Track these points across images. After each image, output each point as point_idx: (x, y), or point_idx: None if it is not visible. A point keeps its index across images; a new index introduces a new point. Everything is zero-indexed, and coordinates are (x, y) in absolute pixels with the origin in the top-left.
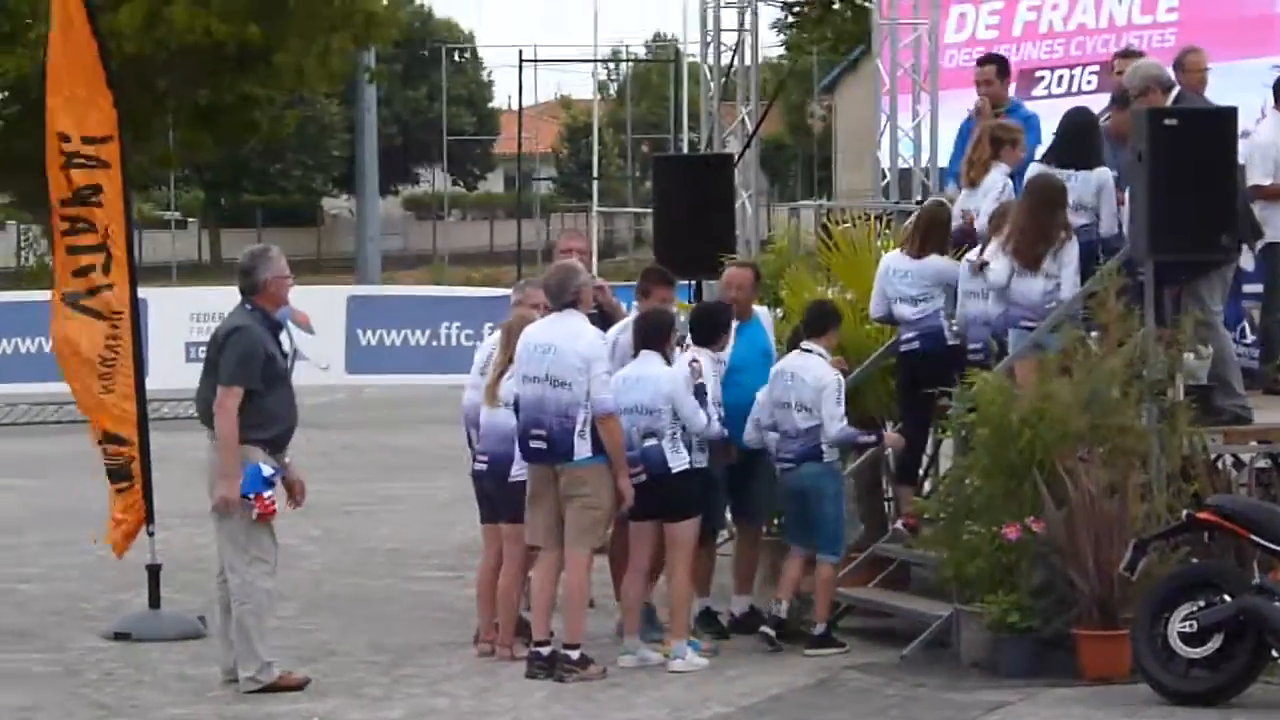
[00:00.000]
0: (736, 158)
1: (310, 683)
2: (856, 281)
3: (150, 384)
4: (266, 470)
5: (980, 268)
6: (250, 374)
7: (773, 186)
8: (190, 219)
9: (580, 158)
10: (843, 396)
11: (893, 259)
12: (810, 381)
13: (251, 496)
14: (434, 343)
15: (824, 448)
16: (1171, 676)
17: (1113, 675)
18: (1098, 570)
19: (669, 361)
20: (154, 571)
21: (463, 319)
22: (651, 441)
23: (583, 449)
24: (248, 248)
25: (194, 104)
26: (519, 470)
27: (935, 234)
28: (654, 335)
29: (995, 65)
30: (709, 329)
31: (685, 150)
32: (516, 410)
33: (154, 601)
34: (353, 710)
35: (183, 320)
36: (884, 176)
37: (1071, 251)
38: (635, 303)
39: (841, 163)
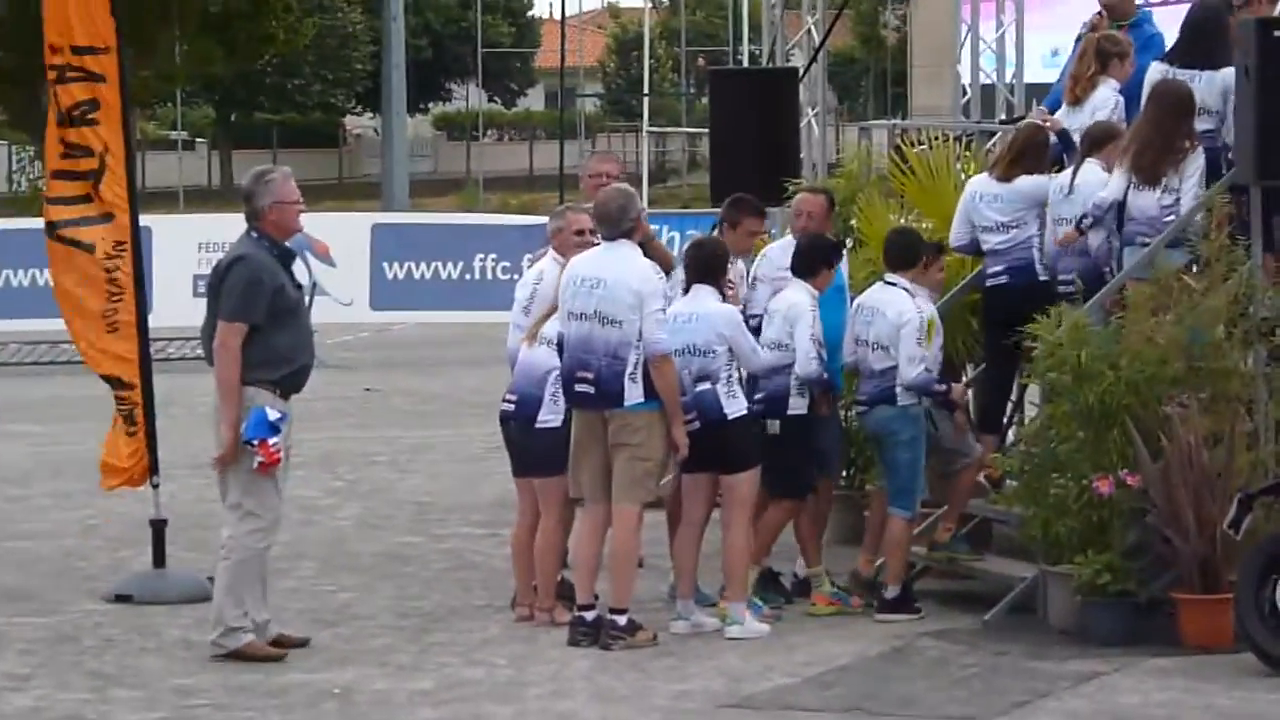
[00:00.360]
0: (802, 72)
1: (285, 657)
2: (934, 209)
3: (154, 322)
4: (272, 414)
5: (1079, 227)
6: (253, 307)
7: (841, 104)
8: (199, 139)
9: (630, 72)
10: (924, 337)
11: (979, 182)
12: (891, 317)
13: (255, 443)
14: (467, 276)
15: (898, 390)
16: (1278, 643)
17: (1215, 644)
18: (1198, 528)
19: (723, 297)
20: (158, 528)
21: (498, 250)
22: (705, 385)
23: (634, 393)
24: (252, 169)
25: (202, 11)
26: (548, 415)
27: (1030, 156)
28: (707, 268)
29: None
30: (811, 261)
31: (745, 64)
32: (561, 350)
33: (158, 560)
34: (377, 680)
35: (190, 251)
36: (964, 93)
37: (1195, 163)
38: (718, 232)
39: (917, 78)
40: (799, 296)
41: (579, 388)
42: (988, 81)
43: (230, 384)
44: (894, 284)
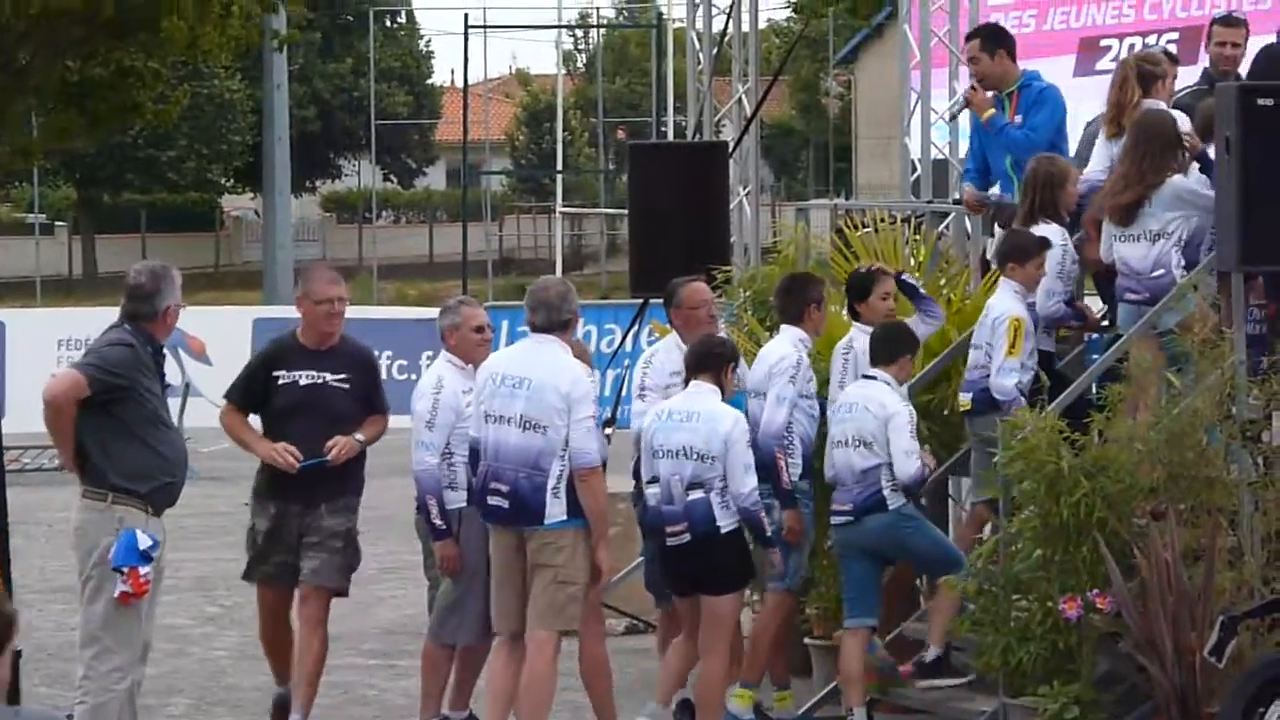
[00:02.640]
0: (732, 146)
1: None
2: None
3: (6, 427)
4: (144, 541)
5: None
6: (102, 374)
7: (778, 181)
8: (59, 223)
9: (541, 146)
10: (915, 431)
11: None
12: (875, 411)
13: (124, 570)
14: None
15: (886, 492)
16: None
17: None
18: (1176, 655)
19: (723, 394)
20: (13, 660)
21: (395, 347)
22: (699, 494)
23: (555, 509)
24: (141, 264)
25: (61, 80)
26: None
27: (1033, 193)
28: (709, 360)
29: (979, 39)
30: (894, 346)
31: (670, 136)
32: (473, 458)
33: (12, 697)
34: None
35: (48, 348)
36: (914, 169)
37: (1172, 186)
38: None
39: (862, 151)
40: (888, 396)
41: (492, 500)
42: (940, 156)
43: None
44: (874, 378)
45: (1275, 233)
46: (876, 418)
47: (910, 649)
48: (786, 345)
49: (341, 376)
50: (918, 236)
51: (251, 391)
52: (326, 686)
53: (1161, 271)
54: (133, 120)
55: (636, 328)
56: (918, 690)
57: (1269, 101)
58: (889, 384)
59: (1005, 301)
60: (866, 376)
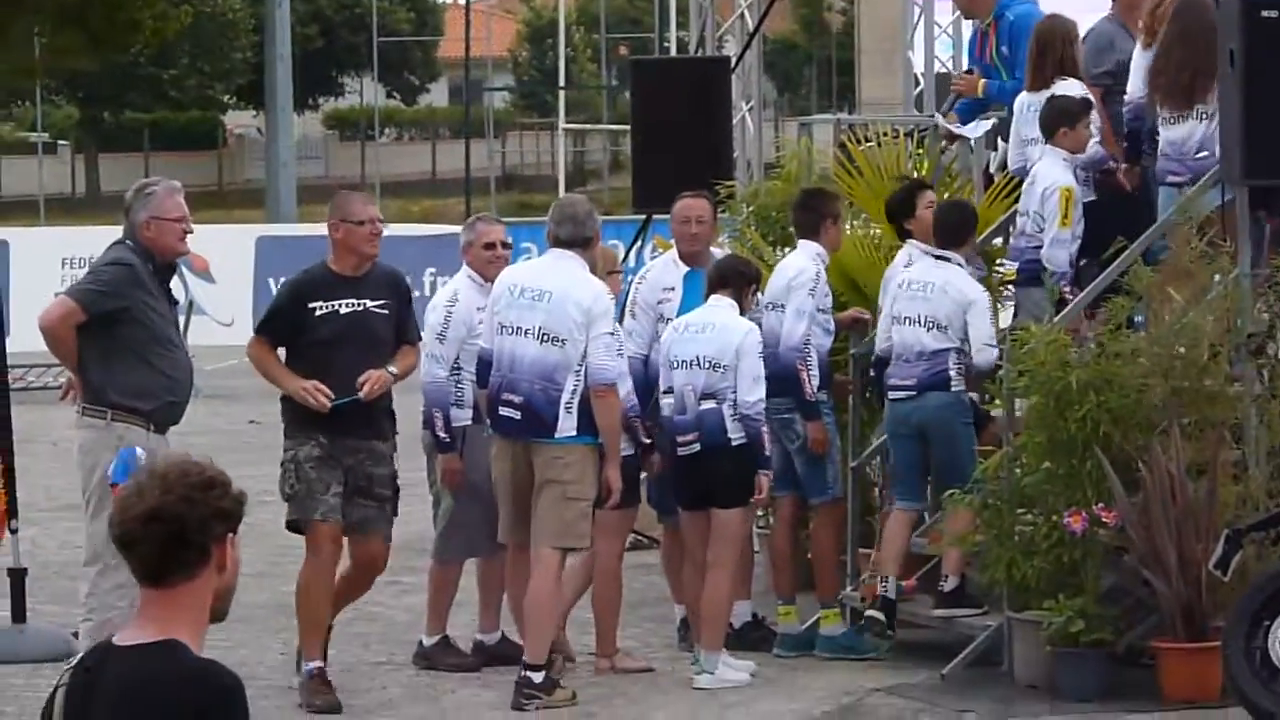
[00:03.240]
0: (735, 61)
1: None
2: (883, 213)
3: (10, 346)
4: (141, 457)
5: None
6: (96, 296)
7: (780, 96)
8: (61, 142)
9: (544, 63)
10: (995, 316)
11: (1022, 97)
12: (954, 295)
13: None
14: None
15: (952, 374)
16: (1272, 698)
17: (1200, 698)
18: (1181, 569)
19: (742, 310)
20: (17, 578)
21: (398, 264)
22: (710, 404)
23: (567, 424)
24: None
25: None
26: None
27: (1054, 52)
28: (728, 276)
29: None
30: (961, 227)
31: (672, 52)
32: (483, 368)
33: (17, 615)
34: None
35: (51, 266)
36: (917, 84)
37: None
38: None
39: (865, 66)
40: (966, 282)
41: (504, 411)
42: (943, 70)
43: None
44: (947, 259)
45: (1279, 146)
46: (955, 303)
47: (914, 565)
48: (804, 259)
49: (381, 302)
50: (921, 151)
51: (282, 326)
52: None
53: (1206, 153)
54: (133, 39)
55: (639, 244)
56: (926, 610)
57: (1273, 13)
58: (963, 266)
59: (1054, 170)
60: (940, 258)
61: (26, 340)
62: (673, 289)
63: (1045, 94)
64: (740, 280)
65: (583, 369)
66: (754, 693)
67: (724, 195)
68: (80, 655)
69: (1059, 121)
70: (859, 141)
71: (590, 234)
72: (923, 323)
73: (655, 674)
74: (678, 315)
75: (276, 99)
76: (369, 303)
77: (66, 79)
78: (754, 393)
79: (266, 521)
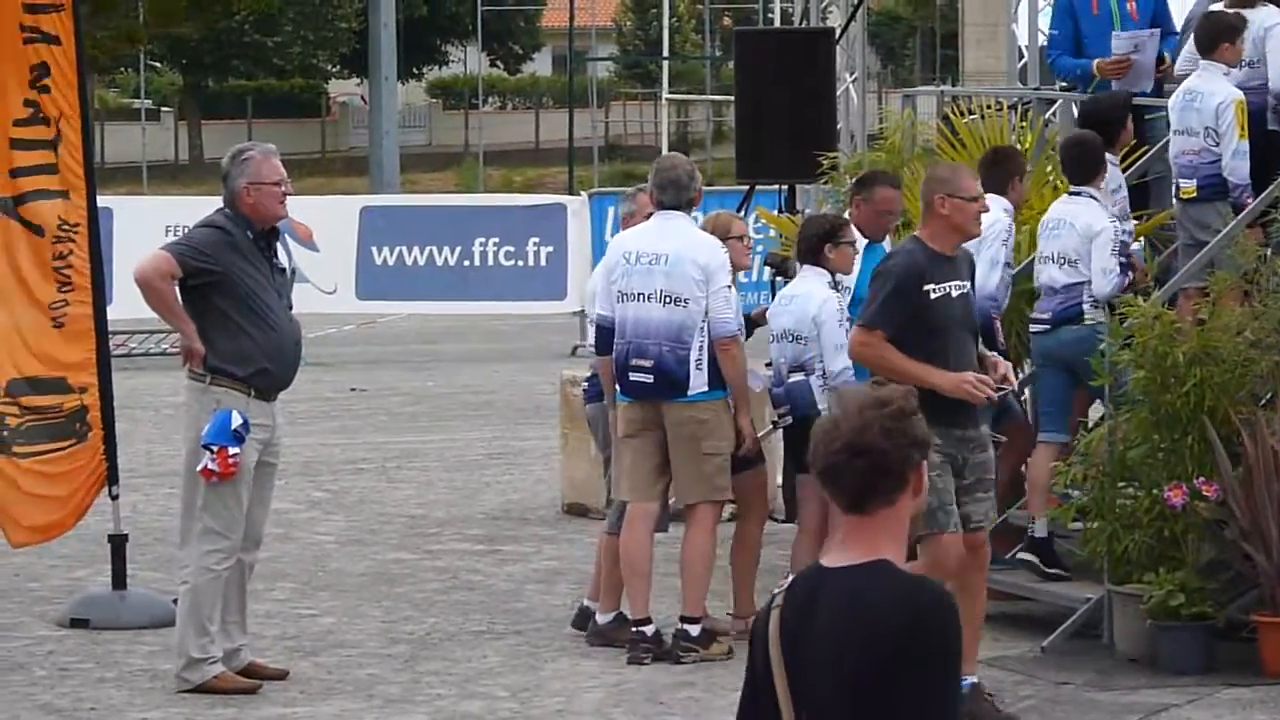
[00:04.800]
0: (839, 32)
1: (259, 689)
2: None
3: (113, 314)
4: (236, 420)
5: None
6: (189, 252)
7: (884, 68)
8: (164, 109)
9: (647, 33)
10: (1117, 249)
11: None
12: (1079, 228)
13: (214, 448)
14: (465, 262)
15: (1085, 307)
16: None
17: None
18: None
19: (833, 278)
20: (118, 544)
21: (500, 233)
22: (798, 376)
23: (698, 381)
24: (232, 146)
25: None
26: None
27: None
28: (812, 246)
29: None
30: (1090, 162)
31: (776, 23)
32: (607, 335)
33: (118, 581)
34: (363, 715)
35: (155, 235)
36: (1020, 56)
37: None
38: (850, 211)
39: (969, 38)
40: (1094, 214)
41: (635, 376)
42: (1047, 42)
43: (152, 292)
44: (1079, 193)
45: None
46: (1082, 236)
47: (1015, 539)
48: (997, 210)
49: (966, 283)
50: (1024, 123)
51: (902, 312)
52: (435, 572)
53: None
54: (236, 5)
55: (742, 214)
56: (1018, 576)
57: None
58: (1095, 199)
59: (1221, 84)
60: (1072, 193)
61: (129, 307)
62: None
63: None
64: (809, 245)
65: (706, 325)
66: None
67: (827, 166)
68: (792, 579)
69: (1221, 35)
70: (962, 114)
71: (693, 196)
72: (1055, 259)
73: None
74: (855, 285)
75: (380, 67)
76: (966, 284)
77: (170, 46)
78: (839, 361)
79: (363, 489)
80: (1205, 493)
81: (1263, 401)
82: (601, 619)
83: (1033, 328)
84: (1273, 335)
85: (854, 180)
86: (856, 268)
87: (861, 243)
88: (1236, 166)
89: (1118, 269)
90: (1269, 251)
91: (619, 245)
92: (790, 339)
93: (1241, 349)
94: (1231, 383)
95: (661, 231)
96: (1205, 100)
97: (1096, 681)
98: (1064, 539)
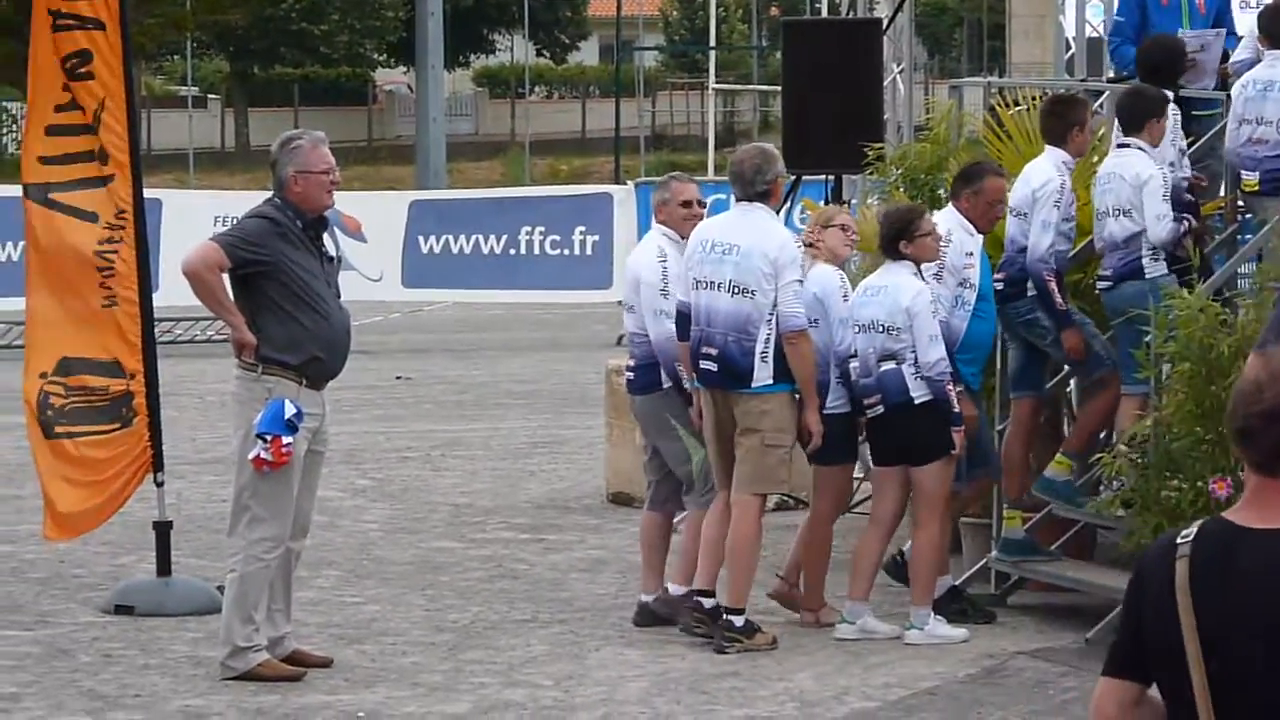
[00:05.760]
0: (886, 23)
1: (304, 676)
2: None
3: (159, 300)
4: (289, 410)
5: None
6: (238, 242)
7: (931, 59)
8: (211, 96)
9: (694, 23)
10: (1168, 192)
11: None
12: (1129, 178)
13: (267, 438)
14: (510, 250)
15: (1145, 260)
16: None
17: None
18: None
19: (918, 269)
20: (163, 531)
21: (546, 222)
22: (890, 365)
23: (764, 373)
24: (281, 134)
25: None
26: (835, 400)
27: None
28: (895, 237)
29: None
30: (1140, 111)
31: (824, 13)
32: (683, 321)
33: (163, 568)
34: (407, 703)
35: (204, 226)
36: (1068, 48)
37: None
38: (951, 205)
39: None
40: (1142, 163)
41: (703, 364)
42: (1094, 34)
43: (202, 284)
44: (1127, 144)
45: None
46: (1132, 185)
47: (1057, 530)
48: (1050, 168)
49: None
50: None
51: None
52: (479, 560)
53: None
54: None
55: (789, 204)
56: (1063, 568)
57: None
58: (1143, 149)
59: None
60: (1120, 145)
61: (175, 295)
62: (972, 254)
63: None
64: (891, 237)
65: (774, 318)
66: (897, 655)
67: (873, 157)
68: (1197, 529)
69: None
70: (1009, 105)
71: (763, 188)
72: (1111, 212)
73: (797, 632)
74: (980, 281)
75: (427, 56)
76: None
77: (217, 33)
78: (933, 352)
79: (408, 478)
80: None
81: None
82: (646, 598)
83: (1099, 285)
84: None
85: (957, 175)
86: (976, 263)
87: (973, 240)
88: None
89: (1171, 214)
90: None
91: (698, 233)
92: (880, 329)
93: None
94: None
95: (737, 222)
96: (1260, 87)
97: None
98: (1108, 530)
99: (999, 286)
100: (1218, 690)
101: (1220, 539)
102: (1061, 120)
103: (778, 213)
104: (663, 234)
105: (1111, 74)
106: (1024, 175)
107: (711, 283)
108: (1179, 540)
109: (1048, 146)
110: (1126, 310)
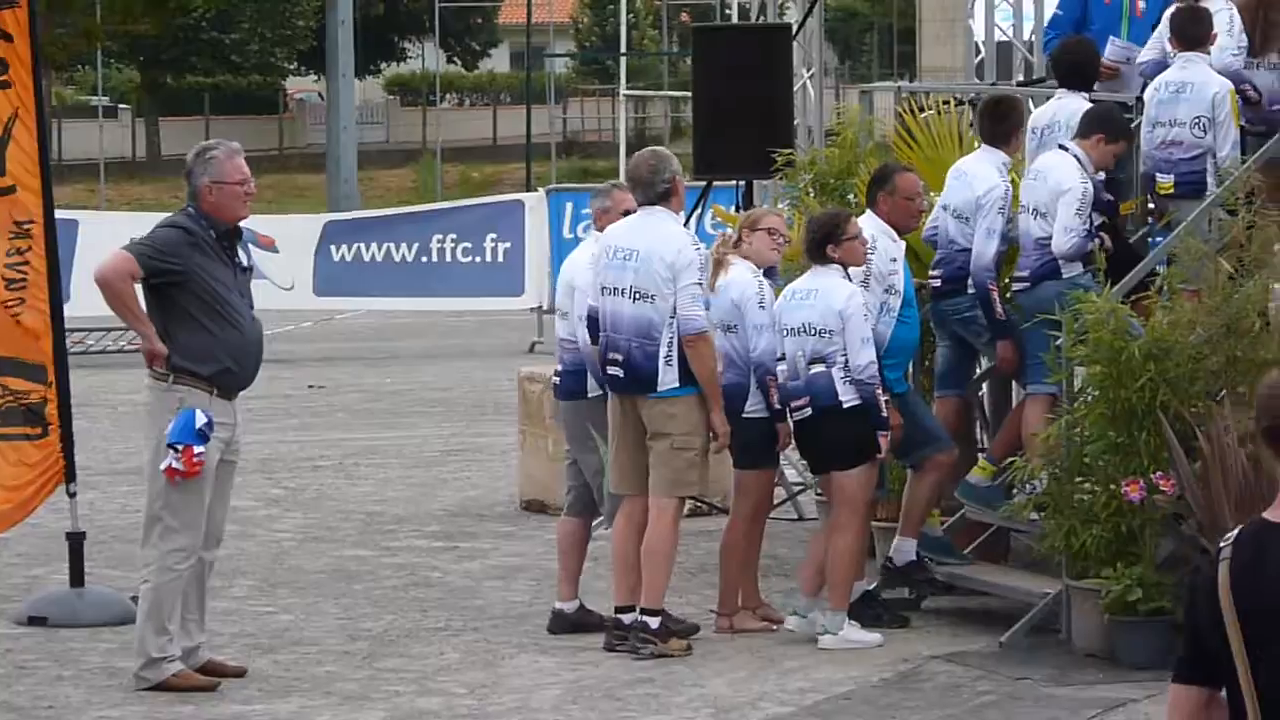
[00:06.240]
0: (796, 28)
1: (218, 687)
2: (941, 183)
3: (72, 311)
4: (200, 420)
5: None
6: (150, 252)
7: (842, 64)
8: (122, 106)
9: (605, 29)
10: (1085, 209)
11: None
12: (1051, 183)
13: (179, 447)
14: (423, 258)
15: (1061, 262)
16: None
17: None
18: None
19: (846, 271)
20: (76, 542)
21: (458, 230)
22: (820, 369)
23: (668, 377)
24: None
25: None
26: (755, 405)
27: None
28: (824, 241)
29: None
30: (1091, 123)
31: (734, 19)
32: (593, 326)
33: (76, 579)
34: (322, 712)
35: (117, 242)
36: (977, 52)
37: None
38: (870, 212)
39: (926, 34)
40: (1068, 170)
41: (610, 370)
42: (1003, 39)
43: (113, 293)
44: (1066, 149)
45: None
46: (1052, 190)
47: (974, 532)
48: (994, 172)
49: None
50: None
51: None
52: (393, 568)
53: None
54: (193, 1)
55: (700, 210)
56: (977, 571)
57: None
58: (1078, 157)
59: (1212, 75)
60: (1061, 146)
61: (87, 305)
62: (896, 260)
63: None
64: (833, 239)
65: (675, 321)
66: (812, 660)
67: (783, 162)
68: (1237, 533)
69: (1209, 26)
70: (920, 110)
71: (663, 188)
72: (1031, 210)
73: (712, 639)
74: (905, 287)
75: (338, 64)
76: None
77: (127, 43)
78: (864, 355)
79: (322, 486)
80: (1162, 487)
81: (1217, 397)
82: (561, 605)
83: (1015, 285)
84: (1222, 331)
85: (870, 181)
86: (901, 269)
87: (896, 246)
88: (1232, 154)
89: (1081, 230)
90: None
91: (604, 239)
92: (812, 332)
93: (1193, 344)
94: (1185, 378)
95: (638, 227)
96: (1198, 90)
97: (1055, 677)
98: (1021, 533)
99: (936, 284)
100: (1262, 685)
101: (1257, 538)
102: (1004, 121)
103: (687, 219)
104: (597, 240)
105: (1022, 77)
106: (964, 176)
107: (615, 288)
108: (1222, 543)
109: (986, 147)
110: (1042, 311)
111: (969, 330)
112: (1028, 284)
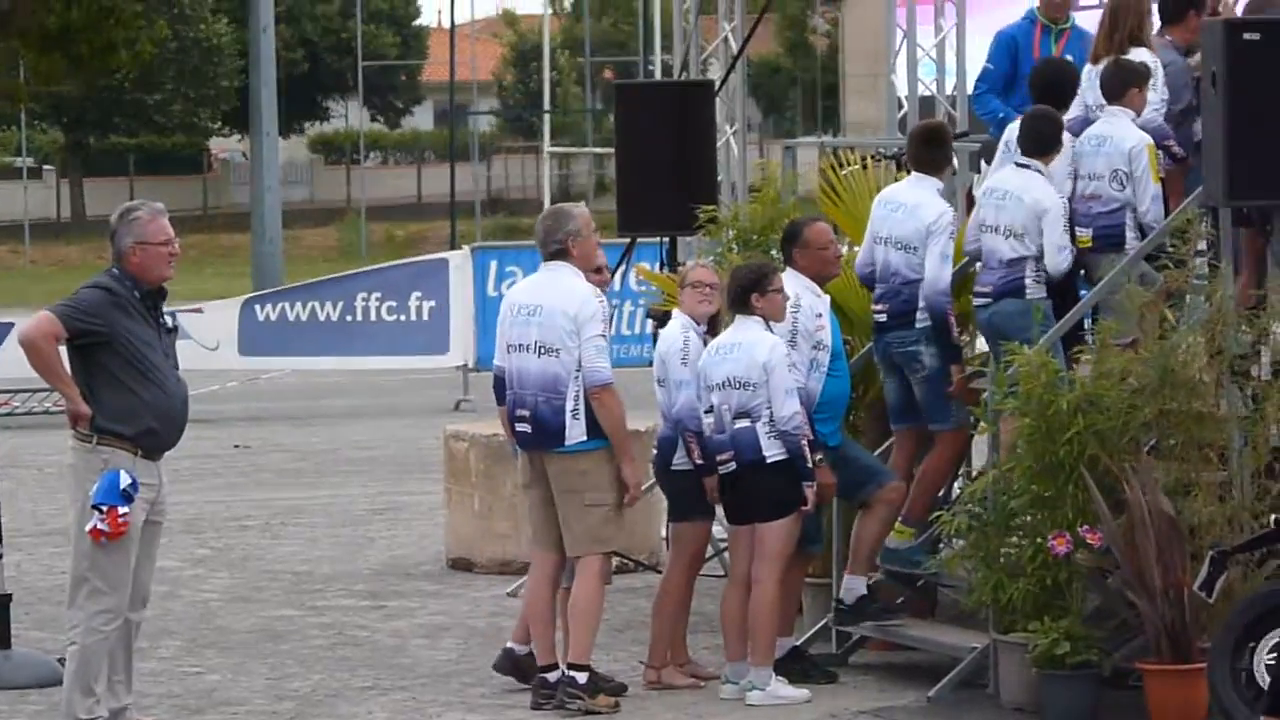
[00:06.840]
0: (719, 84)
1: None
2: (863, 238)
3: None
4: (124, 480)
5: None
6: (74, 312)
7: (765, 119)
8: (46, 166)
9: (528, 86)
10: (1067, 223)
11: (1087, 68)
12: (1029, 203)
13: (104, 508)
14: (348, 317)
15: (1028, 282)
16: None
17: (1186, 719)
18: (1166, 591)
19: (767, 324)
20: (2, 603)
21: (383, 289)
22: (745, 423)
23: (575, 431)
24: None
25: (43, 23)
26: (681, 459)
27: (1128, 22)
28: (746, 293)
29: None
30: (1045, 138)
31: (656, 75)
32: (499, 385)
33: (2, 640)
34: None
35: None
36: (900, 106)
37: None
38: (789, 270)
39: (849, 89)
40: (1042, 189)
41: (519, 427)
42: (926, 93)
43: (37, 357)
44: (1028, 166)
45: (1261, 167)
46: (1031, 211)
47: (900, 585)
48: (937, 198)
49: None
50: (903, 174)
51: None
52: (320, 628)
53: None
54: (111, 61)
55: (624, 267)
56: (904, 626)
57: (1255, 36)
58: (1042, 173)
59: (1131, 129)
60: (1020, 164)
61: (13, 367)
62: (821, 315)
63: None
64: (743, 294)
65: (580, 375)
66: (740, 716)
67: (706, 219)
68: None
69: (1131, 81)
70: (844, 164)
71: (561, 243)
72: (1002, 230)
73: (641, 695)
74: (834, 341)
75: (261, 124)
76: None
77: (51, 104)
78: (788, 407)
79: (248, 546)
80: (1089, 541)
81: (1147, 448)
82: (513, 645)
83: (975, 301)
84: (1155, 383)
85: (781, 241)
86: (827, 323)
87: (821, 301)
88: (1154, 210)
89: (1069, 246)
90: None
91: (509, 297)
92: (737, 385)
93: (1125, 396)
94: (1115, 430)
95: (540, 283)
96: (1115, 144)
97: None
98: (949, 588)
99: (880, 318)
100: None
101: None
102: (941, 149)
103: (613, 273)
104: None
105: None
106: (903, 207)
107: (520, 345)
108: None
109: (918, 175)
110: (1004, 326)
111: (909, 364)
112: (990, 299)
